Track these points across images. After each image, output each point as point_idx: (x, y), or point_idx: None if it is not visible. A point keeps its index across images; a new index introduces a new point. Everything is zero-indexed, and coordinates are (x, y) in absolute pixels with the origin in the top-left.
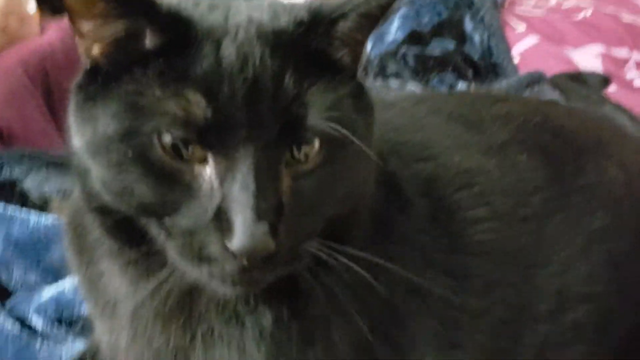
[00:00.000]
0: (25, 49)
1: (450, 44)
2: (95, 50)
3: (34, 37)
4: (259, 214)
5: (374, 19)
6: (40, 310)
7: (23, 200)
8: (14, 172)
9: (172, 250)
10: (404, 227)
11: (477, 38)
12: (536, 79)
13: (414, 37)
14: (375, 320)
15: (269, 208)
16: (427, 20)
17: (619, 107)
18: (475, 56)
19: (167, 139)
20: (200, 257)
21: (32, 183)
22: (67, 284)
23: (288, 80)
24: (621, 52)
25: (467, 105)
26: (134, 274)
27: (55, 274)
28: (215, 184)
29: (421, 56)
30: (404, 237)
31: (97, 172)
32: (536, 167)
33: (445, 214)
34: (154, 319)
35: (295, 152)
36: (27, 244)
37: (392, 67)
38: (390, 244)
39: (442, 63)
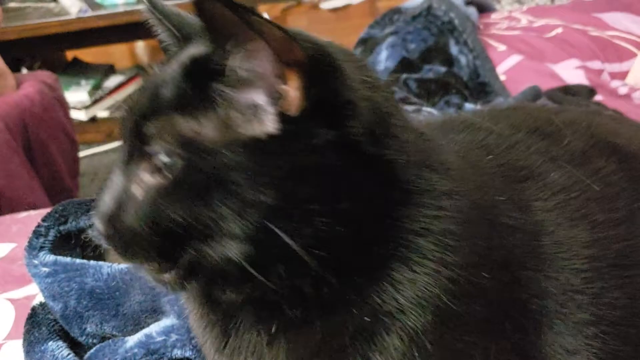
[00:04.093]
0: (3, 103)
1: (440, 68)
2: None
3: (10, 92)
4: None
5: None
6: (128, 359)
7: (83, 251)
8: (79, 222)
9: None
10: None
11: (463, 60)
12: (538, 93)
13: (405, 64)
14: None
15: None
16: (414, 47)
17: (617, 114)
18: (464, 77)
19: None
20: None
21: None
22: (154, 328)
23: None
24: (594, 65)
25: (537, 118)
26: None
27: (135, 323)
28: None
29: (422, 80)
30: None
31: None
32: (614, 170)
33: (546, 234)
34: None
35: None
36: (104, 293)
37: (397, 93)
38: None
39: (443, 86)
